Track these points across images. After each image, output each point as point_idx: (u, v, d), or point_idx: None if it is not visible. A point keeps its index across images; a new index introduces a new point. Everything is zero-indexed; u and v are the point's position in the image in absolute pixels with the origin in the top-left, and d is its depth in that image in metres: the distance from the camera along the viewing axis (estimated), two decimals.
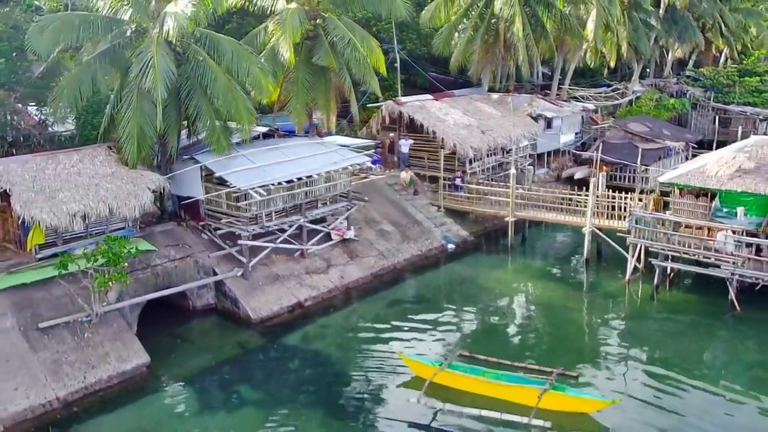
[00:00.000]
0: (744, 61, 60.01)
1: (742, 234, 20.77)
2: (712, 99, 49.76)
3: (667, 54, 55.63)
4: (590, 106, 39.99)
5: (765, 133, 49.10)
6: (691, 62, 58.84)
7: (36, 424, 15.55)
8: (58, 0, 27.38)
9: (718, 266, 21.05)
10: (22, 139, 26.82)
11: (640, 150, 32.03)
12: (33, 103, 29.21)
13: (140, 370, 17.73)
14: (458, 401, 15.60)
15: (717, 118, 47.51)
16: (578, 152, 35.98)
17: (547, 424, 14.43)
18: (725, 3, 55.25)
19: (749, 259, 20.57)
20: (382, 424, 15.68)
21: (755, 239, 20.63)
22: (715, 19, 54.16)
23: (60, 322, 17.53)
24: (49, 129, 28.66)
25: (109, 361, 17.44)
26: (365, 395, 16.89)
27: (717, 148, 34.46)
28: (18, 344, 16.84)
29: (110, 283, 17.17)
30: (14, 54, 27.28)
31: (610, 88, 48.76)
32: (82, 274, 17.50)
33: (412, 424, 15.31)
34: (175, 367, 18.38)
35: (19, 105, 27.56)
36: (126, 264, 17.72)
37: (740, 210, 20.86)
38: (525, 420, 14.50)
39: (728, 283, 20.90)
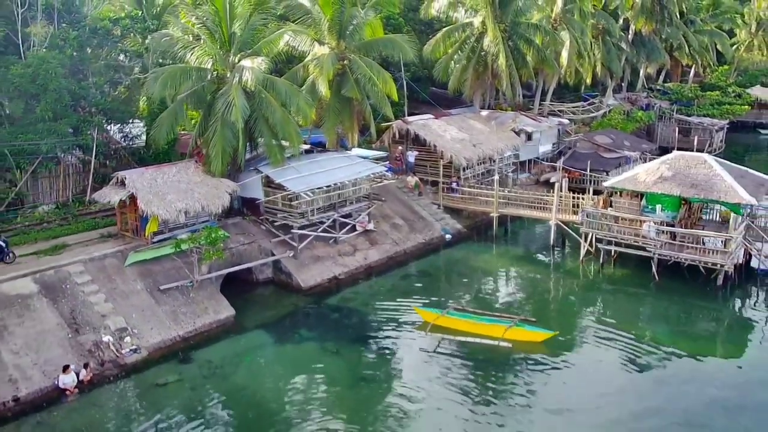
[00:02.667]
0: (709, 76, 67.62)
1: (661, 224, 28.30)
2: (675, 111, 57.21)
3: (639, 71, 63.17)
4: (565, 120, 47.36)
5: (721, 141, 56.84)
6: (661, 78, 66.43)
7: (167, 352, 22.97)
8: (140, 44, 34.69)
9: (645, 248, 28.58)
10: (112, 152, 34.38)
11: (589, 161, 39.57)
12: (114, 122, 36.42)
13: (229, 319, 25.21)
14: (452, 335, 23.20)
15: (678, 128, 54.85)
16: (546, 163, 43.20)
17: (509, 345, 22.07)
18: (689, 26, 62.71)
19: (665, 242, 28.09)
20: (401, 349, 23.27)
21: (670, 228, 28.18)
22: (681, 41, 61.65)
23: (173, 286, 24.99)
24: (128, 143, 36.20)
25: (209, 312, 24.95)
26: (387, 333, 24.44)
27: None
28: (147, 300, 24.32)
29: (213, 257, 24.68)
30: (105, 85, 34.80)
31: (587, 102, 56.29)
32: (190, 252, 24.99)
33: (422, 349, 22.90)
34: (251, 319, 25.86)
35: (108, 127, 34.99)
36: (222, 244, 25.21)
37: (658, 207, 28.41)
38: (494, 343, 22.16)
39: (651, 261, 28.44)
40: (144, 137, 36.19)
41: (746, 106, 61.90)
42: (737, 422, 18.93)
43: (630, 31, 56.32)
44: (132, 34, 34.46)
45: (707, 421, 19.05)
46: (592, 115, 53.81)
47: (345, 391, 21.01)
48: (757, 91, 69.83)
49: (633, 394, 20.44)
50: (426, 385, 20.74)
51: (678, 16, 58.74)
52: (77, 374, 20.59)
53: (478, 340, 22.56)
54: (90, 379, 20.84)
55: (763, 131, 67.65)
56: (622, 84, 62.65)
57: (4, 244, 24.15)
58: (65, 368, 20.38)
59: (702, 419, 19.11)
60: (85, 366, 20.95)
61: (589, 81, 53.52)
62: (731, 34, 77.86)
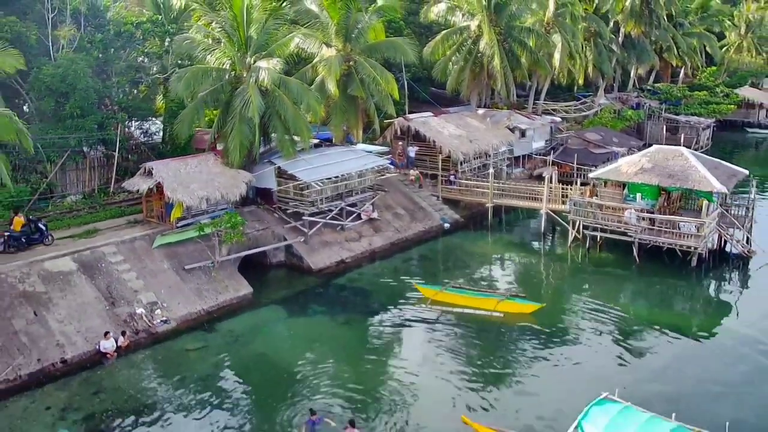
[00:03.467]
0: (698, 77, 70.28)
1: (641, 211, 30.86)
2: (663, 110, 59.82)
3: (630, 72, 65.80)
4: (558, 118, 49.91)
5: (708, 139, 59.44)
6: (651, 78, 69.04)
7: (193, 323, 25.45)
8: (159, 46, 37.29)
9: (627, 234, 31.14)
10: (133, 147, 36.96)
11: (577, 156, 42.12)
12: (135, 119, 38.87)
13: (247, 296, 27.73)
14: (450, 308, 25.81)
15: (666, 126, 57.40)
16: (539, 157, 45.77)
17: (501, 315, 24.68)
18: (678, 29, 65.34)
19: (645, 228, 30.66)
20: (403, 321, 25.79)
21: (649, 214, 30.75)
22: (670, 43, 64.27)
23: (197, 266, 27.52)
24: (145, 138, 38.76)
25: (229, 290, 27.48)
26: (391, 307, 26.96)
27: None
28: (174, 278, 26.85)
29: (234, 239, 27.23)
30: (126, 85, 37.34)
31: (580, 102, 58.86)
32: (212, 236, 27.52)
33: (424, 320, 25.51)
34: (267, 296, 28.41)
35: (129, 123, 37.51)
36: (241, 228, 27.74)
37: (638, 195, 30.99)
38: (487, 314, 24.76)
39: (633, 245, 31.00)
40: (160, 134, 38.92)
41: (732, 106, 64.53)
42: (707, 389, 21.18)
43: (620, 34, 58.96)
44: (152, 37, 36.96)
45: (680, 387, 21.23)
46: (584, 113, 56.33)
47: (353, 357, 23.49)
48: (745, 92, 72.51)
49: (612, 360, 22.84)
50: (426, 350, 23.32)
51: (666, 20, 61.36)
52: (116, 340, 23.14)
53: (472, 311, 25.15)
54: (127, 345, 23.38)
55: (750, 130, 70.28)
56: (614, 84, 65.21)
57: (44, 228, 26.69)
58: (106, 334, 22.94)
59: (675, 386, 21.25)
60: (123, 333, 23.49)
61: (581, 81, 56.14)
62: (721, 35, 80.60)
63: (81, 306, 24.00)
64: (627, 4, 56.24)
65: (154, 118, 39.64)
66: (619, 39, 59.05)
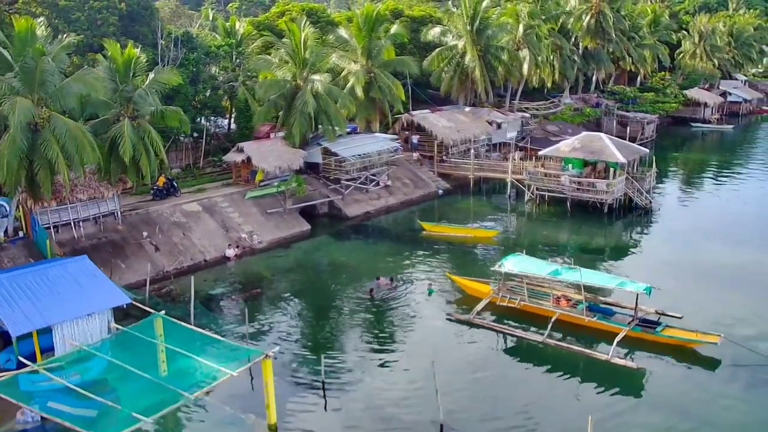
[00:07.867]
0: (650, 81, 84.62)
1: (572, 177, 45.14)
2: (616, 108, 74.09)
3: (592, 77, 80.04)
4: (527, 114, 64.20)
5: (653, 132, 73.74)
6: (611, 82, 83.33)
7: (276, 244, 39.61)
8: (231, 63, 51.50)
9: (563, 192, 45.42)
10: (213, 135, 51.16)
11: (529, 138, 56.50)
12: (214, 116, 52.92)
13: (307, 231, 41.93)
14: (443, 235, 40.19)
15: (618, 121, 71.62)
16: (512, 143, 60.14)
17: (473, 237, 39.09)
18: (631, 41, 79.59)
19: (575, 188, 44.94)
20: (412, 243, 40.02)
21: (577, 178, 45.06)
22: (624, 53, 78.50)
23: (274, 211, 41.75)
24: (217, 130, 52.99)
25: (295, 226, 41.72)
26: (404, 238, 41.25)
27: None
28: (261, 218, 41.07)
29: (300, 193, 41.48)
30: (208, 90, 51.48)
31: (549, 101, 73.13)
32: (285, 191, 41.76)
33: (427, 244, 39.72)
34: (319, 232, 42.65)
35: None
36: (305, 186, 41.97)
37: (570, 166, 45.34)
38: (464, 236, 39.21)
39: (567, 201, 45.29)
40: (225, 126, 53.17)
41: (676, 105, 78.89)
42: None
43: (580, 47, 73.20)
44: (227, 56, 51.20)
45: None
46: (551, 111, 70.57)
47: (379, 261, 37.57)
48: (693, 93, 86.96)
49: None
50: (424, 256, 37.59)
51: (620, 34, 75.55)
52: (234, 250, 37.41)
53: (456, 235, 39.61)
54: (240, 254, 37.64)
55: (693, 124, 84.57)
56: (578, 87, 79.39)
57: (176, 185, 41.01)
58: (229, 246, 37.26)
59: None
60: (236, 247, 37.78)
61: (550, 85, 70.33)
62: (678, 45, 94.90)
63: (209, 231, 38.30)
64: (584, 23, 70.59)
65: (220, 116, 53.82)
66: (580, 51, 73.28)
